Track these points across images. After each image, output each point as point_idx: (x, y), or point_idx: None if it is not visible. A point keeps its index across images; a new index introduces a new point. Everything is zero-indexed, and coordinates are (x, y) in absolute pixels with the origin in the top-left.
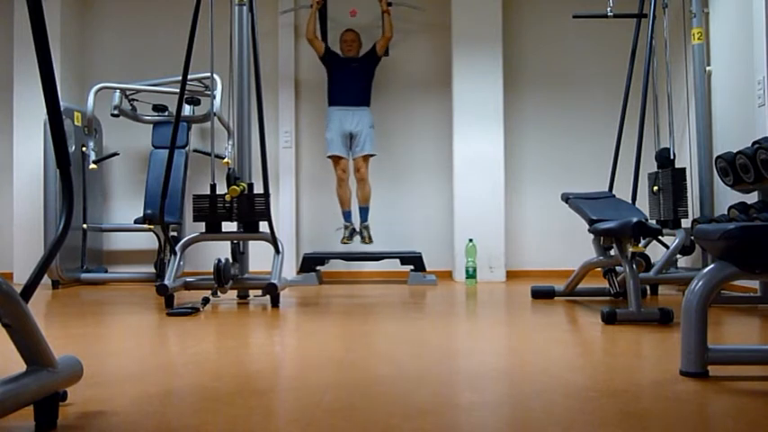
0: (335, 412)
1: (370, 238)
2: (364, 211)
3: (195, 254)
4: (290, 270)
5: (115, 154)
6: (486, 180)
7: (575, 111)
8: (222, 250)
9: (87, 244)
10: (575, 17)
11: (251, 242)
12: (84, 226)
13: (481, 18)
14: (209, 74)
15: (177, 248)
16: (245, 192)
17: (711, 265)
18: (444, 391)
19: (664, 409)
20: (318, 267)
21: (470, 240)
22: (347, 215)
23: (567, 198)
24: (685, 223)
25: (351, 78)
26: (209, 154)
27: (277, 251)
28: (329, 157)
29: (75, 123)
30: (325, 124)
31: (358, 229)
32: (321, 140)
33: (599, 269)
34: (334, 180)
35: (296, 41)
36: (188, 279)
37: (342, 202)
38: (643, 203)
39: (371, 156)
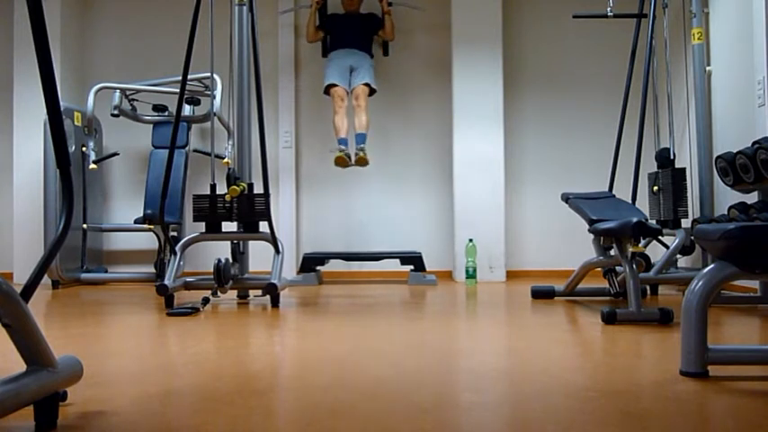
0: (335, 412)
1: (366, 159)
2: (361, 136)
3: (195, 254)
4: (290, 270)
5: (115, 154)
6: (486, 180)
7: (575, 111)
8: (222, 250)
9: (87, 244)
10: (575, 17)
11: (251, 242)
12: (84, 226)
13: (481, 18)
14: (209, 74)
15: (177, 248)
16: (245, 192)
17: (711, 265)
18: (444, 391)
19: (664, 409)
20: (318, 267)
21: (470, 240)
22: (342, 141)
23: (567, 198)
24: (685, 223)
25: (352, 29)
26: (209, 154)
27: (277, 251)
28: (327, 86)
29: (75, 123)
30: (323, 70)
31: (355, 152)
32: (321, 141)
33: (599, 269)
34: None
35: (296, 41)
36: (188, 279)
37: (337, 129)
38: (643, 203)
39: (371, 88)
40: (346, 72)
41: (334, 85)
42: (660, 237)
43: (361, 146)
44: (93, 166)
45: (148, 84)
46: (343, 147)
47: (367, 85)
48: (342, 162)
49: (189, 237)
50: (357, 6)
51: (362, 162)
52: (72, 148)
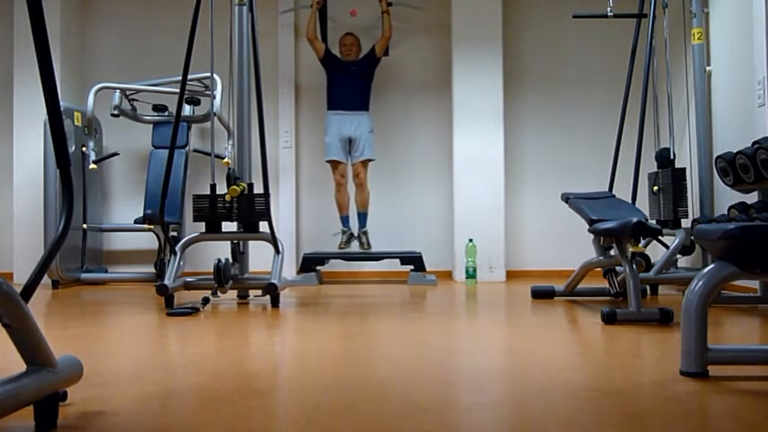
0: (335, 412)
1: (368, 243)
2: (363, 217)
3: (195, 254)
4: (290, 270)
5: (115, 154)
6: (486, 180)
7: (575, 111)
8: (222, 250)
9: (87, 244)
10: (575, 17)
11: (251, 242)
12: (84, 226)
13: (481, 18)
14: (209, 74)
15: (177, 248)
16: (245, 192)
17: (711, 265)
18: (444, 391)
19: (664, 409)
20: (318, 267)
21: (470, 240)
22: (345, 220)
23: (567, 198)
24: (685, 223)
25: (350, 83)
26: (209, 154)
27: (277, 251)
28: (328, 161)
29: (75, 123)
30: (324, 128)
31: (356, 235)
32: (321, 140)
33: (599, 269)
34: (332, 185)
35: (296, 41)
36: (188, 279)
37: (340, 207)
38: (643, 203)
39: (371, 161)
40: (346, 145)
41: (336, 162)
42: (660, 237)
43: (364, 229)
44: (93, 166)
45: (148, 84)
46: (345, 228)
47: (367, 161)
48: (345, 248)
49: (189, 237)
50: (356, 54)
51: (366, 248)
52: (72, 148)
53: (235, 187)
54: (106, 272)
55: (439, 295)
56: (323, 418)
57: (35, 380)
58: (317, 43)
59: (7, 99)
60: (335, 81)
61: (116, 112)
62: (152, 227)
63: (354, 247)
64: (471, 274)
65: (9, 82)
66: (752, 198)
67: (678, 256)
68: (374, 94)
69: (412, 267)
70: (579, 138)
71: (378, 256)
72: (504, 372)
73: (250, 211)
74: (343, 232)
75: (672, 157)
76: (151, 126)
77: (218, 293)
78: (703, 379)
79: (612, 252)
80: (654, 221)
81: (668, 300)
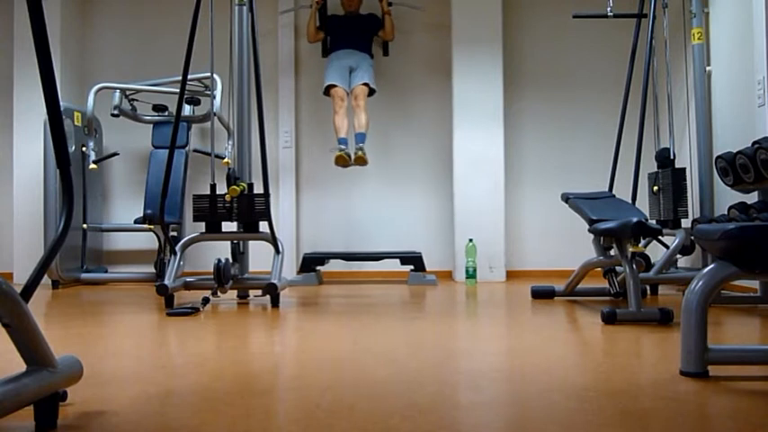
0: (335, 412)
1: (365, 158)
2: (360, 136)
3: (195, 254)
4: (290, 270)
5: (115, 154)
6: (486, 180)
7: (574, 111)
8: (222, 250)
9: (87, 244)
10: (575, 17)
11: (251, 242)
12: (84, 226)
13: (481, 18)
14: (209, 74)
15: (177, 248)
16: (245, 192)
17: (711, 265)
18: (444, 391)
19: (664, 409)
20: (318, 267)
21: (470, 240)
22: (342, 140)
23: (567, 198)
24: (685, 223)
25: (351, 30)
26: (209, 154)
27: (277, 251)
28: (327, 87)
29: (75, 123)
30: (324, 71)
31: (354, 151)
32: (321, 141)
33: (599, 269)
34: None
35: (296, 41)
36: (188, 279)
37: (337, 129)
38: (643, 203)
39: (372, 90)
40: (346, 72)
41: (334, 86)
42: (660, 237)
43: (361, 145)
44: (93, 166)
45: (148, 84)
46: (342, 146)
47: (366, 84)
48: (342, 161)
49: (189, 237)
50: (357, 7)
51: (362, 161)
52: (72, 148)
53: (235, 187)
54: (106, 272)
55: (439, 295)
56: (323, 418)
57: (35, 380)
58: (318, 37)
59: (7, 99)
60: (337, 32)
61: (116, 112)
62: (152, 227)
63: (353, 169)
64: (471, 274)
65: (9, 82)
66: (752, 198)
67: (678, 256)
68: (375, 93)
69: (412, 267)
70: (579, 138)
71: (378, 256)
72: (503, 372)
73: (250, 211)
74: (340, 149)
75: (672, 157)
76: (151, 126)
77: (218, 293)
78: (703, 379)
79: (612, 252)
80: (654, 221)
81: (668, 300)
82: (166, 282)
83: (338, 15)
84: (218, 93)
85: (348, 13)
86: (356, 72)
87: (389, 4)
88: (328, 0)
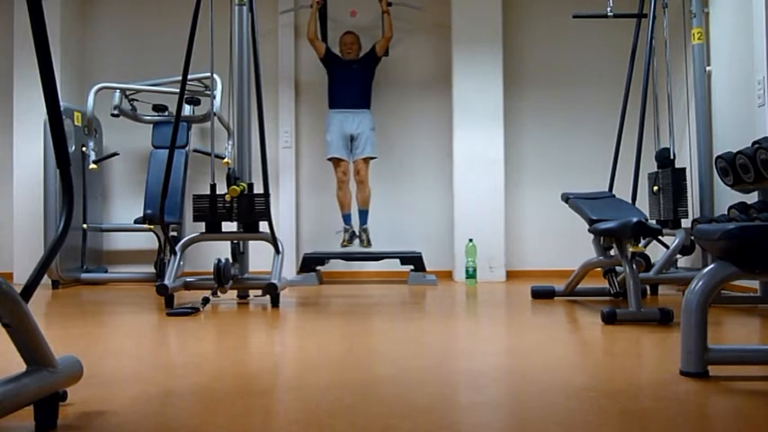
0: (335, 412)
1: (368, 241)
2: (363, 215)
3: (195, 254)
4: (290, 270)
5: (115, 154)
6: (486, 180)
7: (575, 111)
8: (222, 250)
9: (87, 244)
10: (575, 17)
11: (251, 242)
12: (84, 226)
13: (481, 18)
14: (209, 74)
15: (177, 248)
16: (245, 192)
17: (711, 265)
18: (444, 391)
19: (664, 409)
20: (318, 267)
21: (470, 240)
22: (347, 218)
23: (567, 198)
24: (685, 223)
25: (351, 81)
26: (209, 154)
27: (277, 251)
28: (329, 159)
29: (75, 123)
30: (325, 127)
31: (357, 233)
32: (321, 140)
33: (599, 269)
34: (335, 182)
35: (296, 41)
36: (188, 279)
37: (342, 205)
38: (643, 203)
39: (372, 158)
40: (347, 142)
41: (338, 160)
42: (660, 237)
43: (365, 227)
44: (93, 166)
45: (148, 84)
46: (347, 226)
47: (368, 158)
48: (348, 245)
49: (189, 237)
50: (357, 53)
51: (367, 245)
52: (72, 148)
53: (235, 187)
54: (106, 272)
55: (439, 295)
56: (323, 418)
57: (35, 380)
58: (318, 43)
59: (7, 99)
60: (336, 80)
61: (116, 112)
62: (152, 227)
63: (356, 245)
64: (471, 274)
65: (9, 82)
66: (752, 198)
67: (678, 256)
68: (374, 94)
69: (412, 267)
70: (579, 138)
71: (378, 256)
72: (503, 372)
73: (250, 211)
74: (345, 230)
75: (672, 157)
76: (151, 126)
77: (218, 293)
78: (703, 379)
79: (612, 252)
80: (654, 221)
81: (668, 300)
82: (166, 282)
83: (338, 57)
84: (218, 93)
85: (347, 59)
86: (357, 142)
87: (389, 4)
88: (329, 1)
